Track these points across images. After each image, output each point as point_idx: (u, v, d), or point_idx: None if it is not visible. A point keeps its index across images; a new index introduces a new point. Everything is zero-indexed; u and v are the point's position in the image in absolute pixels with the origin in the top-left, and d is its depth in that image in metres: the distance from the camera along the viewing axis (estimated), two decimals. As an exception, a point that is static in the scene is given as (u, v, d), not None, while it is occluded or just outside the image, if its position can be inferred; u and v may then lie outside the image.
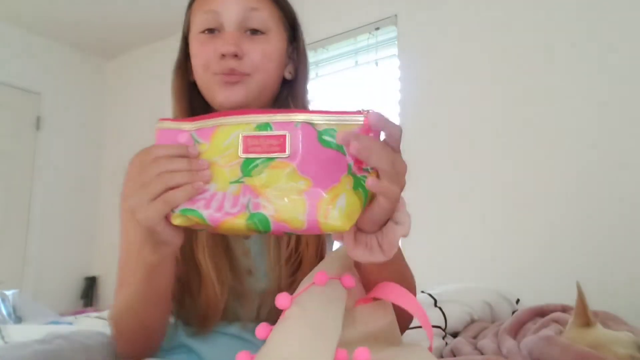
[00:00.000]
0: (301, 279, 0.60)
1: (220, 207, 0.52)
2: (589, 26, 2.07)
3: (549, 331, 0.91)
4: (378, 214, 0.51)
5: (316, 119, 0.52)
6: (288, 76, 0.84)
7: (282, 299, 0.53)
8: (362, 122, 0.51)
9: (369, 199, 0.51)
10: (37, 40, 3.68)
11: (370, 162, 0.48)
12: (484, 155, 2.27)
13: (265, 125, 0.52)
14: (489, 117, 2.28)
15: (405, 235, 0.53)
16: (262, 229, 0.51)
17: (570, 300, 0.91)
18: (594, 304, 0.92)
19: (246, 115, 0.54)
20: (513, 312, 1.42)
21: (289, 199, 0.50)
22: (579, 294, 0.86)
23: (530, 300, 1.45)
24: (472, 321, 1.31)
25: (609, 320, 1.09)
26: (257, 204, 0.51)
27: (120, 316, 0.70)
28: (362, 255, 0.54)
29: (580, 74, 2.07)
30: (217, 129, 0.54)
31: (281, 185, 0.51)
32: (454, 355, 1.01)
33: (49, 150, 3.69)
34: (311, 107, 0.87)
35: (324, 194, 0.50)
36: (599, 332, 0.85)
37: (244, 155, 0.52)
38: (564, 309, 1.14)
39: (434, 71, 2.48)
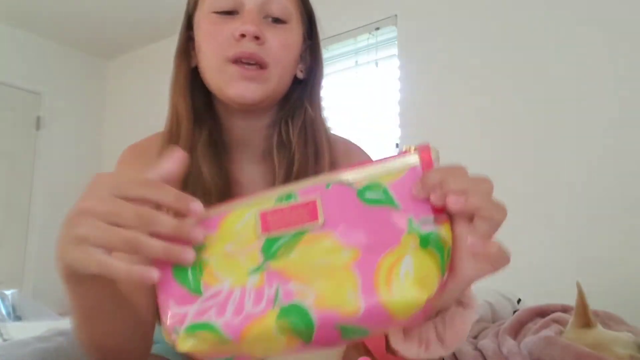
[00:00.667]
0: None
1: (240, 309, 0.38)
2: (590, 25, 2.07)
3: (550, 331, 0.91)
4: (462, 283, 0.38)
5: (351, 177, 0.41)
6: (300, 75, 0.76)
7: None
8: (416, 162, 0.41)
9: (448, 258, 0.39)
10: (37, 40, 3.68)
11: (470, 204, 0.38)
12: (485, 155, 2.26)
13: (288, 196, 0.40)
14: (489, 117, 2.28)
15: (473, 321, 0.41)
16: (302, 327, 0.36)
17: (571, 300, 0.91)
18: (594, 304, 0.92)
19: (262, 194, 0.42)
20: (514, 312, 1.42)
21: (333, 277, 0.37)
22: (579, 294, 0.86)
23: (532, 300, 1.45)
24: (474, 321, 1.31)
25: (609, 320, 1.09)
26: (289, 292, 0.37)
27: (81, 343, 0.56)
28: (416, 353, 0.40)
29: (581, 74, 2.07)
30: (227, 215, 0.41)
31: (319, 261, 0.38)
32: (455, 356, 1.01)
33: (49, 150, 3.69)
34: (326, 114, 0.79)
35: (381, 260, 0.37)
36: (599, 332, 0.85)
37: (265, 235, 0.40)
38: (565, 309, 1.14)
39: (434, 71, 2.48)
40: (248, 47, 0.66)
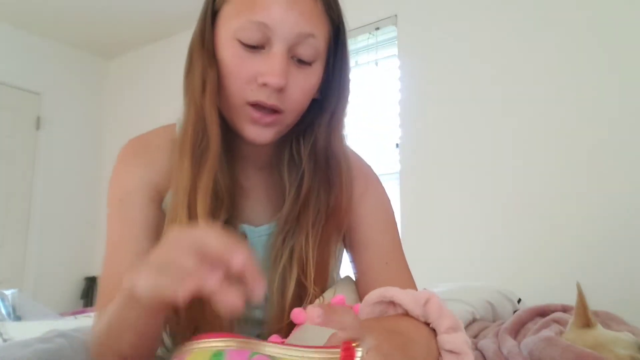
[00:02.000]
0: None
1: None
2: (591, 24, 2.07)
3: (550, 331, 0.91)
4: None
5: (277, 352, 0.41)
6: (316, 95, 0.71)
7: (298, 314, 0.52)
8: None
9: None
10: (37, 40, 3.68)
11: None
12: (485, 154, 2.27)
13: (219, 354, 0.41)
14: (489, 116, 2.28)
15: None
16: None
17: (571, 299, 0.91)
18: (594, 303, 0.92)
19: (203, 346, 0.43)
20: (514, 312, 1.42)
21: None
22: (579, 294, 0.86)
23: (532, 300, 1.45)
24: (474, 320, 1.31)
25: (610, 320, 1.08)
26: None
27: (101, 342, 0.60)
28: None
29: (582, 74, 2.07)
30: (190, 354, 0.43)
31: None
32: (455, 356, 1.01)
33: (49, 150, 3.69)
34: (348, 142, 0.75)
35: None
36: (599, 332, 0.84)
37: None
38: (565, 309, 1.14)
39: (434, 71, 2.48)
40: (269, 97, 0.63)
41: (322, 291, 0.71)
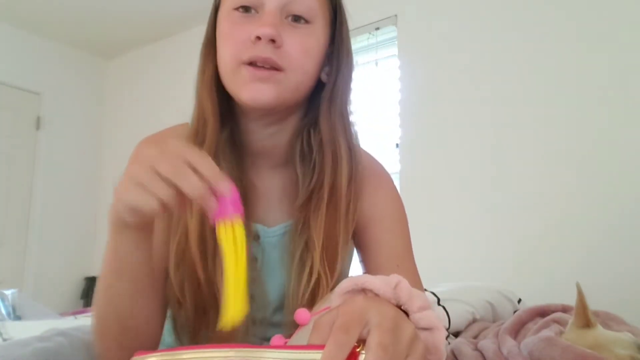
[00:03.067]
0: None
1: None
2: (592, 24, 2.07)
3: (550, 332, 0.91)
4: None
5: (278, 356, 0.41)
6: (324, 78, 0.72)
7: (301, 315, 0.51)
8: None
9: None
10: (37, 40, 3.68)
11: None
12: (485, 154, 2.26)
13: None
14: (489, 116, 2.28)
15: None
16: None
17: (571, 299, 0.91)
18: (594, 303, 0.92)
19: (211, 350, 0.43)
20: (515, 312, 1.42)
21: None
22: (578, 295, 0.86)
23: (532, 300, 1.45)
24: (475, 320, 1.31)
25: (610, 320, 1.08)
26: None
27: (100, 315, 0.61)
28: None
29: (582, 73, 2.07)
30: None
31: None
32: (455, 356, 1.01)
33: (49, 150, 3.69)
34: (353, 118, 0.74)
35: None
36: (599, 333, 0.84)
37: None
38: (565, 309, 1.14)
39: (434, 71, 2.48)
40: (263, 50, 0.63)
41: (335, 283, 0.69)
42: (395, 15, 2.65)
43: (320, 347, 0.38)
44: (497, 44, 2.30)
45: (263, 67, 0.64)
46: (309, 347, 0.39)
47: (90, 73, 4.05)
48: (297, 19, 0.66)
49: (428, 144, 2.44)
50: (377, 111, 2.70)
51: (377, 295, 0.48)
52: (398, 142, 2.57)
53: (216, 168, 0.48)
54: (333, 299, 0.51)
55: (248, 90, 0.64)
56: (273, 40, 0.63)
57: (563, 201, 2.03)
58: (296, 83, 0.66)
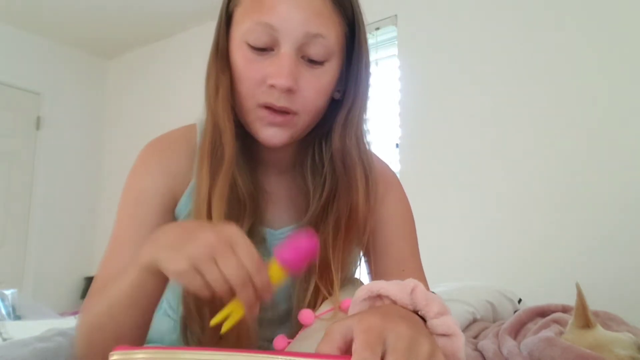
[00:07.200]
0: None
1: None
2: (591, 25, 2.07)
3: (550, 332, 0.91)
4: None
5: None
6: (336, 96, 0.71)
7: (306, 316, 0.51)
8: None
9: None
10: (37, 40, 3.68)
11: None
12: (485, 154, 2.26)
13: None
14: (489, 116, 2.28)
15: None
16: None
17: (571, 299, 0.91)
18: (594, 304, 0.92)
19: (209, 352, 0.41)
20: (515, 312, 1.42)
21: None
22: (578, 295, 0.86)
23: (532, 300, 1.45)
24: (474, 320, 1.31)
25: (610, 320, 1.08)
26: None
27: (98, 326, 0.59)
28: None
29: (581, 74, 2.07)
30: None
31: None
32: (454, 356, 1.01)
33: (49, 150, 3.69)
34: (368, 139, 0.73)
35: None
36: (599, 333, 0.84)
37: None
38: (565, 309, 1.14)
39: (433, 71, 2.48)
40: (278, 99, 0.62)
41: (340, 285, 0.70)
42: (395, 15, 2.65)
43: (336, 358, 0.38)
44: (497, 44, 2.30)
45: (278, 111, 0.64)
46: (328, 357, 0.38)
47: (90, 73, 4.05)
48: (312, 60, 0.64)
49: (428, 143, 2.44)
50: (377, 111, 2.70)
51: (394, 301, 0.48)
52: (398, 142, 2.57)
53: (267, 278, 0.49)
54: (351, 309, 0.51)
55: (263, 133, 0.65)
56: (289, 90, 0.62)
57: (563, 201, 2.03)
58: (309, 122, 0.67)
